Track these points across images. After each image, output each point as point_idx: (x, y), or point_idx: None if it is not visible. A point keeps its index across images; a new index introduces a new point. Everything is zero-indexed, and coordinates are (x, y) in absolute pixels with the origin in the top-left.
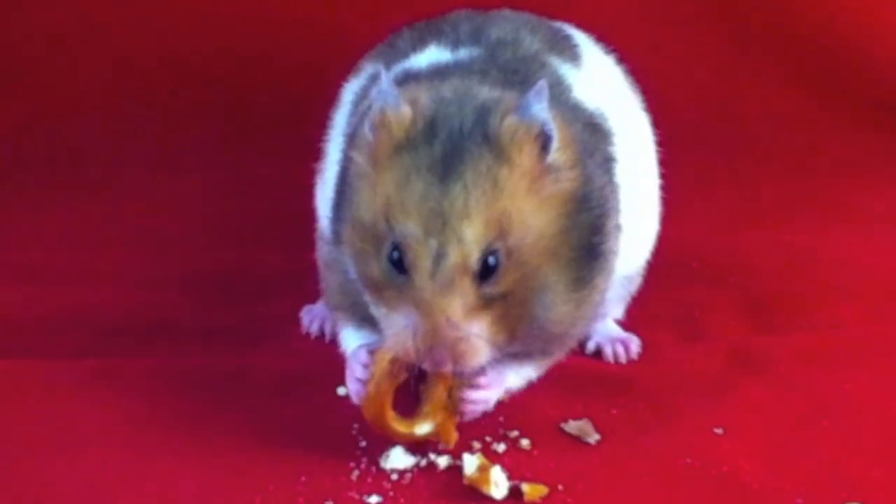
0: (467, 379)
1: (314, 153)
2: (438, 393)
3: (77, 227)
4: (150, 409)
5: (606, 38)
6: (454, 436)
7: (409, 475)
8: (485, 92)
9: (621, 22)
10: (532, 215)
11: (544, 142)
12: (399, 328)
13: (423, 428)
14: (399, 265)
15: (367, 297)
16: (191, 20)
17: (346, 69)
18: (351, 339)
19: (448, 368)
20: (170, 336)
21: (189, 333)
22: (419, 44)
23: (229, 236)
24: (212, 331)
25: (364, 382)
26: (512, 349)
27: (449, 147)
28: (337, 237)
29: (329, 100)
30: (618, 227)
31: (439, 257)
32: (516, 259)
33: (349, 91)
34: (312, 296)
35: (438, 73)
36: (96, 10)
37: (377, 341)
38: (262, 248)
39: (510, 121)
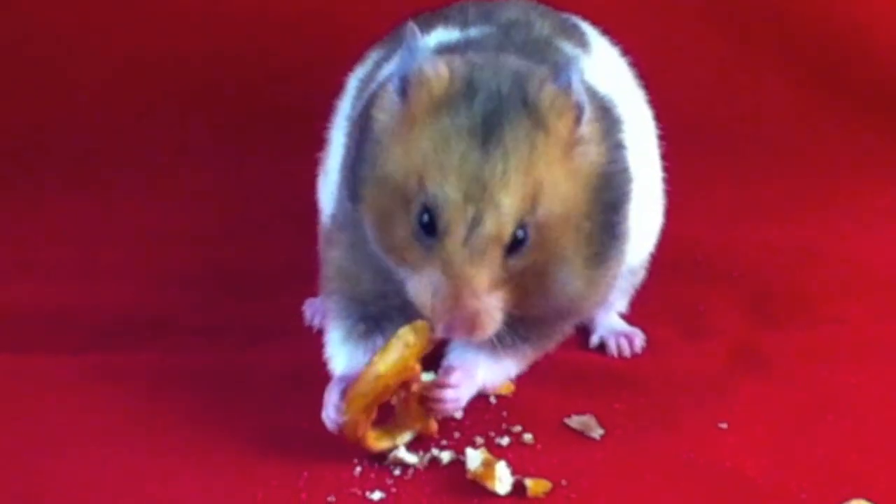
0: (438, 378)
1: (317, 149)
2: (410, 404)
3: (79, 223)
4: (151, 405)
5: (611, 32)
6: (434, 427)
7: (411, 471)
8: (514, 61)
9: (623, 17)
10: (562, 184)
11: (578, 113)
12: (421, 288)
13: (403, 438)
14: (429, 227)
15: (388, 260)
16: (193, 17)
17: (350, 66)
18: (336, 355)
19: (459, 336)
20: (172, 332)
21: (191, 329)
22: (425, 28)
23: (231, 232)
24: (214, 326)
25: (338, 423)
26: (519, 317)
27: (490, 109)
28: (354, 196)
29: (333, 96)
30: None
31: (475, 224)
32: (542, 232)
33: (354, 78)
34: (315, 289)
35: (449, 51)
36: (98, 8)
37: (356, 370)
38: (264, 244)
39: (549, 88)
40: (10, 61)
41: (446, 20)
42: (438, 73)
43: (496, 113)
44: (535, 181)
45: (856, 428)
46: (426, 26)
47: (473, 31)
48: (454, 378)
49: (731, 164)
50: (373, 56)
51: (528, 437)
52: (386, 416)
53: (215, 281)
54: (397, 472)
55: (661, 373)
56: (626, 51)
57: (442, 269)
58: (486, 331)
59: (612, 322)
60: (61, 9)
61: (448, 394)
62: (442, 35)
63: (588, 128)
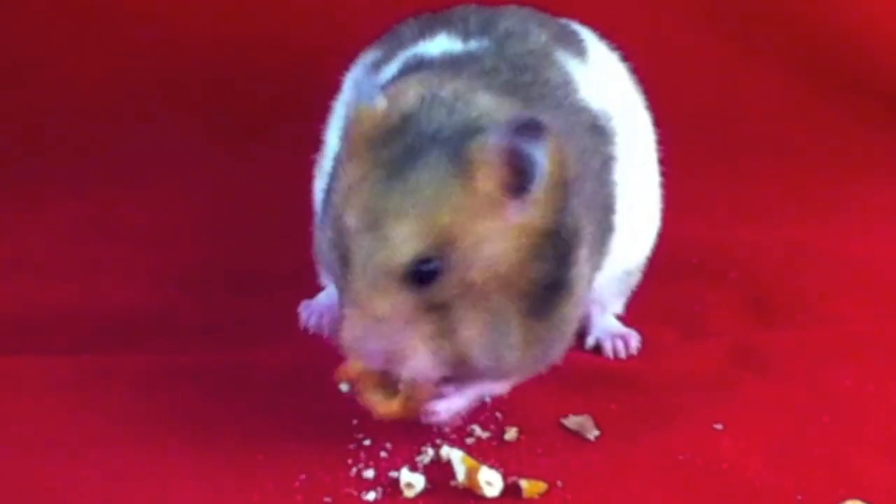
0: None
1: (315, 148)
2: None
3: (74, 221)
4: (147, 405)
5: (608, 33)
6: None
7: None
8: (484, 101)
9: (622, 16)
10: (487, 241)
11: (518, 175)
12: (342, 326)
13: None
14: (343, 259)
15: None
16: (192, 16)
17: (350, 62)
18: None
19: (378, 366)
20: (167, 332)
21: (187, 329)
22: (428, 31)
23: (228, 231)
24: (210, 326)
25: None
26: (466, 371)
27: (409, 147)
28: (321, 224)
29: (332, 94)
30: (610, 228)
31: (369, 255)
32: (461, 276)
33: (350, 80)
34: (311, 290)
35: (452, 62)
36: (97, 8)
37: None
38: (260, 243)
39: (484, 143)
40: (9, 60)
41: (450, 27)
42: (371, 110)
43: (414, 152)
44: (443, 222)
45: (853, 429)
46: (429, 30)
47: (473, 44)
48: (448, 390)
49: (727, 164)
50: (369, 56)
51: (523, 437)
52: None
53: (213, 281)
54: (393, 473)
55: (658, 374)
56: (625, 50)
57: (348, 299)
58: (409, 362)
59: (607, 323)
60: (60, 7)
61: (441, 405)
62: (446, 44)
63: (542, 195)
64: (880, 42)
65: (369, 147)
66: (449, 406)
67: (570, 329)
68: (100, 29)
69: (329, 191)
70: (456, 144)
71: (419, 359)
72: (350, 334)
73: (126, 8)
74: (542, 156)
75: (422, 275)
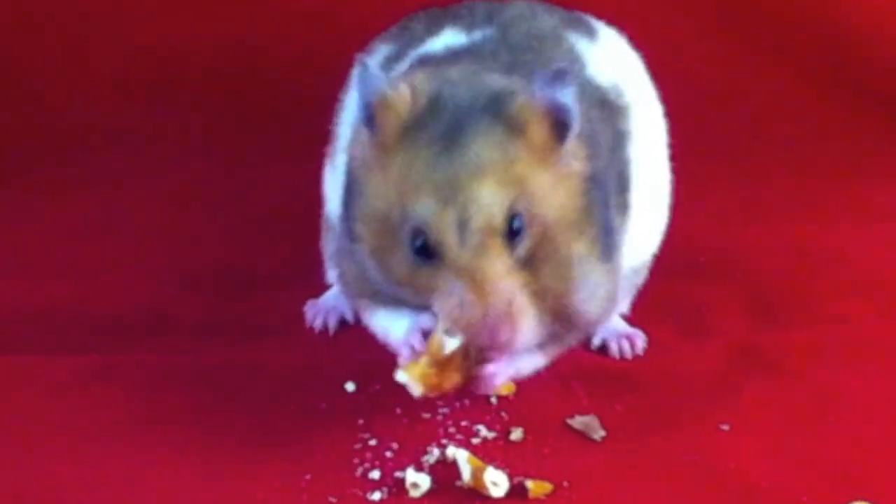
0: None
1: (318, 147)
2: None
3: (77, 221)
4: (151, 405)
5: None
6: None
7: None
8: (494, 79)
9: (624, 16)
10: (550, 190)
11: (557, 123)
12: (448, 307)
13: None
14: (424, 250)
15: (401, 293)
16: (192, 16)
17: (350, 63)
18: (393, 324)
19: (504, 338)
20: (172, 332)
21: (192, 329)
22: (435, 27)
23: (232, 231)
24: (215, 326)
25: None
26: (555, 329)
27: (454, 120)
28: (350, 235)
29: (334, 94)
30: (624, 205)
31: (463, 224)
32: (541, 228)
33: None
34: (316, 290)
35: (453, 56)
36: (96, 8)
37: (428, 320)
38: (265, 243)
39: (524, 99)
40: (9, 60)
41: (455, 20)
42: (401, 95)
43: (461, 123)
44: (515, 176)
45: (858, 428)
46: (436, 25)
47: (477, 34)
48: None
49: (731, 165)
50: (382, 50)
51: (529, 437)
52: None
53: (215, 280)
54: (398, 473)
55: (663, 374)
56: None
57: (454, 279)
58: (523, 322)
59: (613, 323)
60: (60, 8)
61: (489, 368)
62: (450, 38)
63: (575, 142)
64: (881, 42)
65: (407, 133)
66: (506, 370)
67: (620, 282)
68: (100, 29)
69: (354, 195)
70: (497, 109)
71: (529, 321)
72: (474, 310)
73: (126, 8)
74: (572, 100)
75: (513, 232)
